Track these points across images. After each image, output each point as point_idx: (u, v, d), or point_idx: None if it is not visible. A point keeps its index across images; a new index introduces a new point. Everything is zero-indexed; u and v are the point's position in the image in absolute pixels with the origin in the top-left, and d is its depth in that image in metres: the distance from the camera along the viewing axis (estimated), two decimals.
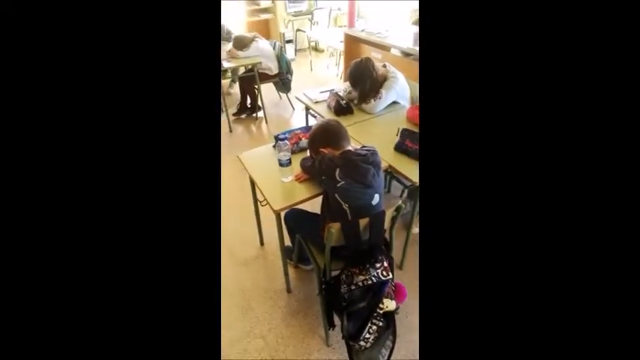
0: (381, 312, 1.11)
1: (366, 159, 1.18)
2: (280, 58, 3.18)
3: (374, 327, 1.10)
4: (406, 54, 2.90)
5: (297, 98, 2.29)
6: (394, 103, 1.97)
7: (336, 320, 1.29)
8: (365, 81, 1.89)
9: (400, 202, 1.20)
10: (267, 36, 4.55)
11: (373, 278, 1.10)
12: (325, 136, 1.26)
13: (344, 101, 1.93)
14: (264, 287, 1.71)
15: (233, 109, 3.39)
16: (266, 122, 3.32)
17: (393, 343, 1.16)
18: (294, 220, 1.50)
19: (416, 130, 1.63)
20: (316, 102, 2.10)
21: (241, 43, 3.03)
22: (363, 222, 1.13)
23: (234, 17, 4.38)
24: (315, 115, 2.12)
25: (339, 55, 4.21)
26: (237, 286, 1.72)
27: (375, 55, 3.19)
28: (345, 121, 1.58)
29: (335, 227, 1.11)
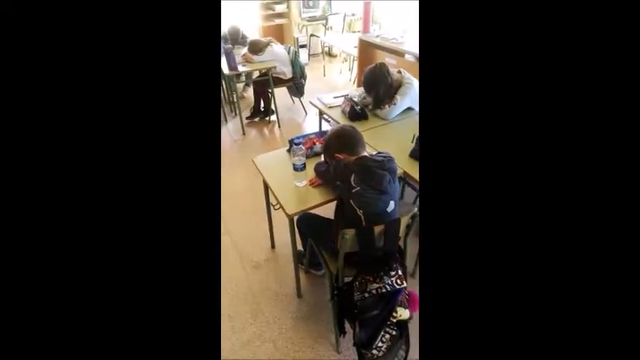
0: (395, 321, 1.09)
1: (382, 165, 1.17)
2: (294, 63, 3.21)
3: (387, 336, 1.09)
4: None
5: (310, 103, 2.30)
6: (409, 109, 1.96)
7: (347, 327, 1.28)
8: (379, 86, 1.88)
9: (416, 209, 1.19)
10: (282, 40, 4.60)
11: (387, 286, 1.09)
12: (341, 142, 1.26)
13: (358, 107, 1.93)
14: (274, 291, 1.70)
15: (246, 113, 3.43)
16: (279, 126, 3.34)
17: (406, 352, 1.14)
18: (307, 224, 1.50)
19: None
20: (330, 107, 2.10)
21: (256, 48, 3.06)
22: (378, 229, 1.12)
23: (249, 22, 4.45)
24: (329, 119, 2.12)
25: (353, 60, 4.22)
26: (248, 289, 1.72)
27: (389, 60, 3.18)
28: (359, 127, 1.57)
29: (349, 233, 1.11)
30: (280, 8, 4.72)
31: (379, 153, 1.28)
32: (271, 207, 1.61)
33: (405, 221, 1.18)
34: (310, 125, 3.33)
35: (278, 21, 4.80)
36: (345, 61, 4.75)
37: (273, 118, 3.40)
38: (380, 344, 1.09)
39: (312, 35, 4.90)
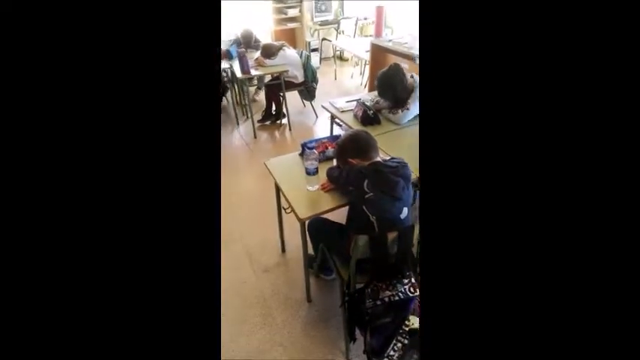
0: (407, 329, 1.07)
1: (396, 171, 1.16)
2: (306, 67, 3.22)
3: (399, 344, 1.07)
4: None
5: (322, 107, 2.30)
6: None
7: (357, 334, 1.26)
8: (395, 87, 1.87)
9: None
10: (293, 44, 4.62)
11: (400, 294, 1.08)
12: (354, 147, 1.25)
13: (371, 111, 1.92)
14: (284, 295, 1.70)
15: (258, 116, 3.45)
16: (290, 129, 3.35)
17: None
18: (318, 229, 1.50)
19: None
20: (342, 111, 2.10)
21: (269, 52, 3.08)
22: (391, 236, 1.11)
23: (262, 26, 4.49)
24: (341, 124, 2.12)
25: (364, 64, 4.21)
26: (258, 292, 1.72)
27: (402, 65, 3.16)
28: (371, 132, 1.57)
29: (362, 240, 1.10)
30: (293, 12, 4.75)
31: (393, 159, 1.27)
32: (282, 210, 1.61)
33: (418, 228, 1.16)
34: (321, 129, 3.34)
35: (290, 25, 4.83)
36: (357, 65, 4.75)
37: (284, 121, 3.41)
38: (392, 353, 1.08)
39: (323, 39, 4.92)
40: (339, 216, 1.46)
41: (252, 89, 3.96)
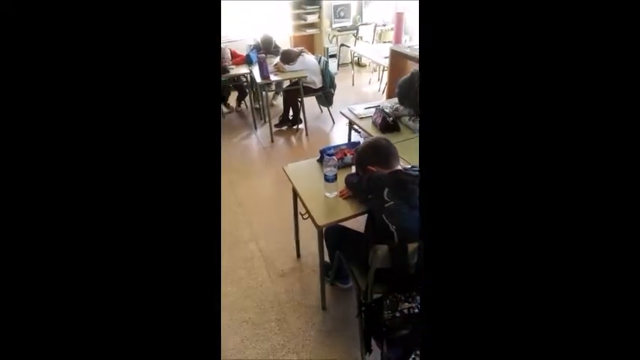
0: None
1: (417, 180, 1.14)
2: (325, 73, 3.23)
3: (418, 359, 1.04)
4: None
5: (341, 113, 2.30)
6: None
7: (373, 345, 1.24)
8: (416, 95, 1.85)
9: None
10: (312, 50, 4.66)
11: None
12: (375, 154, 1.24)
13: (390, 118, 1.90)
14: (298, 301, 1.69)
15: (275, 121, 3.48)
16: (306, 135, 3.36)
17: None
18: (336, 236, 1.48)
19: None
20: (361, 118, 2.09)
21: (288, 57, 3.11)
22: (412, 246, 1.09)
23: (281, 32, 4.54)
24: (359, 130, 2.11)
25: (382, 70, 4.20)
26: (274, 297, 1.72)
27: None
28: (390, 139, 1.55)
29: (382, 249, 1.08)
30: (312, 18, 4.80)
31: (413, 167, 1.25)
32: (299, 216, 1.61)
33: None
34: (338, 135, 3.33)
35: (309, 31, 4.88)
36: (375, 71, 4.74)
37: (301, 126, 3.43)
38: None
39: (342, 45, 4.93)
40: (357, 224, 1.45)
41: (270, 94, 4.01)
